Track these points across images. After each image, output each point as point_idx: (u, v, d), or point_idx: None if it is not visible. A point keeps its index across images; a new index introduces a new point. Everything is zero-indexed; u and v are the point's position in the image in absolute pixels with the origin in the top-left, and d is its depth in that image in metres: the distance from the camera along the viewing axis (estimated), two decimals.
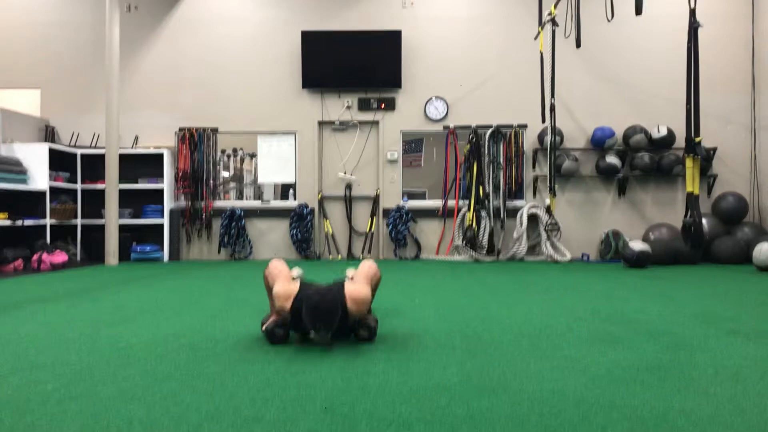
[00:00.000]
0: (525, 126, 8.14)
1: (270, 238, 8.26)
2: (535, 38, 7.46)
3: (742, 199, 7.78)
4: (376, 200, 8.25)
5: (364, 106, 8.27)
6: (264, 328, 2.76)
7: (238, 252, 8.17)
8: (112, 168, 7.28)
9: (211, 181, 8.25)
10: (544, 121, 7.11)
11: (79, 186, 7.94)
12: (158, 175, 8.00)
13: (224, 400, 1.95)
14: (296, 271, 3.80)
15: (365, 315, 2.83)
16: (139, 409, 1.87)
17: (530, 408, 1.87)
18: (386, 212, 8.17)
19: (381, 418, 1.78)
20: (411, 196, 8.34)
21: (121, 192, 7.52)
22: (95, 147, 8.10)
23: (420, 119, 8.27)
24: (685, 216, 6.49)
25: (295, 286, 2.76)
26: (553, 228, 7.31)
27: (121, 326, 3.28)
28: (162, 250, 7.99)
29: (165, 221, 8.02)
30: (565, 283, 5.30)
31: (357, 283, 2.80)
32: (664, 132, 7.82)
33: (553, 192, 7.05)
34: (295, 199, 8.32)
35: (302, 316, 2.62)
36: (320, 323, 2.56)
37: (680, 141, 7.45)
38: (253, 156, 8.47)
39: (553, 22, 6.74)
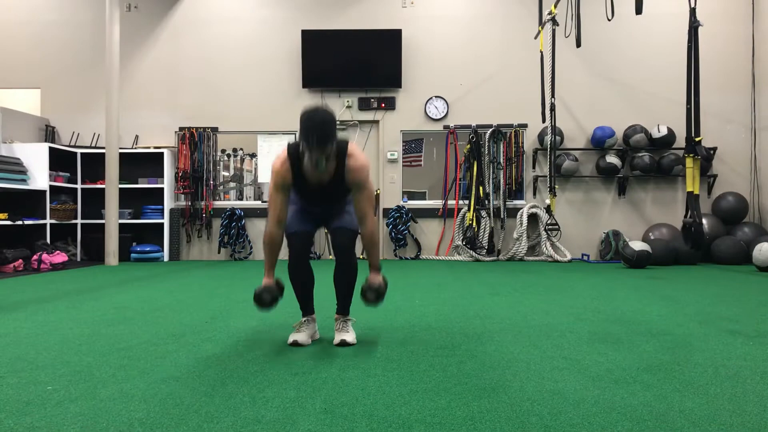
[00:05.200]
0: (525, 126, 8.14)
1: None
2: (536, 37, 7.46)
3: (742, 199, 7.78)
4: (376, 200, 8.25)
5: (364, 105, 8.27)
6: (254, 292, 2.70)
7: (238, 252, 8.17)
8: (112, 168, 7.28)
9: (211, 181, 8.25)
10: (544, 120, 7.11)
11: (79, 186, 7.94)
12: (158, 174, 8.00)
13: (224, 401, 1.95)
14: None
15: (375, 272, 2.76)
16: (139, 410, 1.87)
17: (530, 409, 1.87)
18: (386, 212, 8.17)
19: (380, 419, 1.78)
20: (411, 196, 8.34)
21: (121, 192, 7.53)
22: (95, 147, 8.10)
23: (420, 119, 8.27)
24: (686, 216, 6.51)
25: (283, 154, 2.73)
26: (553, 228, 7.31)
27: (121, 326, 3.28)
28: (162, 250, 7.99)
29: (165, 221, 8.02)
30: (565, 283, 5.30)
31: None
32: (664, 132, 7.81)
33: (553, 192, 7.05)
34: None
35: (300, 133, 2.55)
36: (315, 135, 2.48)
37: (680, 141, 7.44)
38: (253, 156, 8.47)
39: (554, 21, 6.74)
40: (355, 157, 2.69)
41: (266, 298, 2.67)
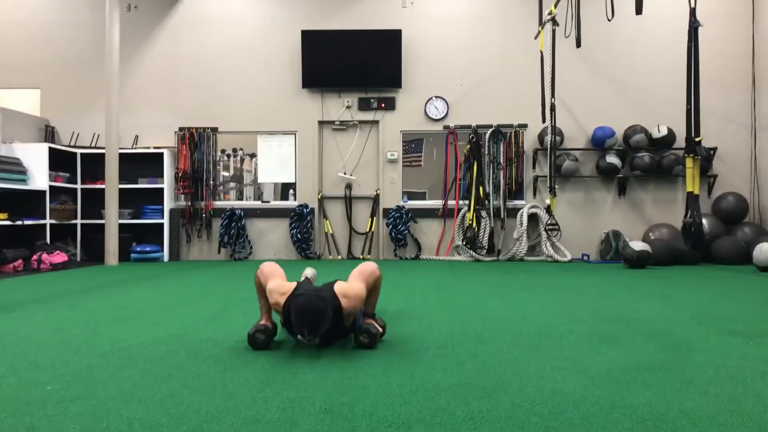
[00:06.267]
0: (525, 126, 8.14)
1: (270, 238, 8.25)
2: (536, 38, 7.46)
3: (742, 199, 7.78)
4: (376, 200, 8.24)
5: (364, 105, 8.27)
6: (248, 333, 2.71)
7: (238, 252, 8.17)
8: (111, 168, 7.28)
9: (211, 181, 8.25)
10: (544, 120, 7.11)
11: (79, 186, 7.94)
12: (158, 175, 8.00)
13: (224, 401, 1.95)
14: (309, 271, 3.77)
15: (370, 320, 2.79)
16: (139, 410, 1.87)
17: (530, 408, 1.87)
18: (386, 212, 8.16)
19: (381, 419, 1.77)
20: (411, 196, 8.34)
21: (121, 192, 7.52)
22: (95, 147, 8.10)
23: (420, 119, 8.27)
24: (686, 216, 6.51)
25: (291, 285, 2.70)
26: (553, 228, 7.31)
27: (121, 326, 3.28)
28: (162, 250, 7.99)
29: (165, 221, 8.02)
30: (565, 283, 5.30)
31: (349, 282, 2.75)
32: (664, 132, 7.81)
33: (553, 192, 7.04)
34: (295, 199, 8.32)
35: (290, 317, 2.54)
36: (306, 327, 2.45)
37: (680, 141, 7.44)
38: (253, 156, 8.47)
39: (554, 21, 6.74)
40: (346, 302, 2.64)
41: (260, 338, 2.67)
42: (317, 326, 2.46)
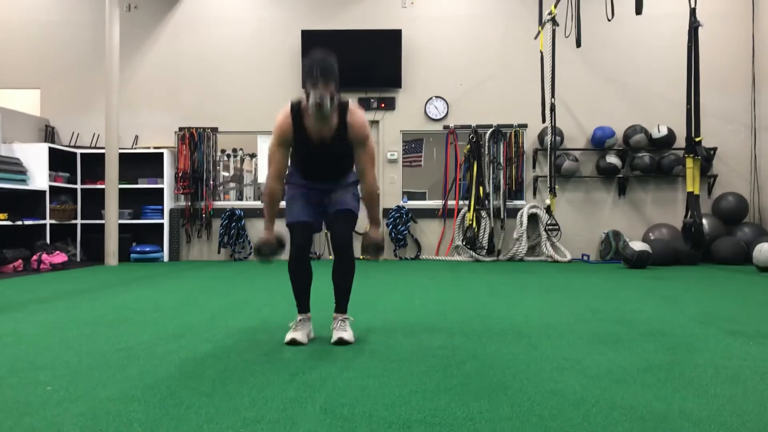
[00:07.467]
0: (525, 126, 8.14)
1: None
2: (536, 38, 7.46)
3: (742, 199, 7.78)
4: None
5: (364, 105, 8.26)
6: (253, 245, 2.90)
7: (238, 252, 8.17)
8: (111, 168, 7.28)
9: (211, 181, 8.25)
10: (544, 120, 7.11)
11: (78, 186, 7.94)
12: (158, 175, 8.00)
13: (224, 401, 1.95)
14: None
15: (374, 227, 3.05)
16: (139, 411, 1.86)
17: (530, 409, 1.87)
18: (386, 212, 8.16)
19: (380, 420, 1.77)
20: (411, 196, 8.33)
21: (121, 192, 7.51)
22: (95, 147, 8.10)
23: (420, 119, 8.27)
24: (686, 216, 6.51)
25: (285, 109, 2.89)
26: (553, 228, 7.30)
27: (120, 326, 3.28)
28: (162, 250, 7.99)
29: (165, 221, 8.02)
30: (565, 284, 5.30)
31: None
32: (664, 132, 7.81)
33: (553, 192, 7.04)
34: None
35: (303, 73, 2.73)
36: (318, 66, 2.60)
37: (680, 141, 7.44)
38: (253, 156, 8.47)
39: (554, 21, 6.74)
40: (356, 114, 2.82)
41: (265, 251, 2.86)
42: (328, 69, 2.62)
